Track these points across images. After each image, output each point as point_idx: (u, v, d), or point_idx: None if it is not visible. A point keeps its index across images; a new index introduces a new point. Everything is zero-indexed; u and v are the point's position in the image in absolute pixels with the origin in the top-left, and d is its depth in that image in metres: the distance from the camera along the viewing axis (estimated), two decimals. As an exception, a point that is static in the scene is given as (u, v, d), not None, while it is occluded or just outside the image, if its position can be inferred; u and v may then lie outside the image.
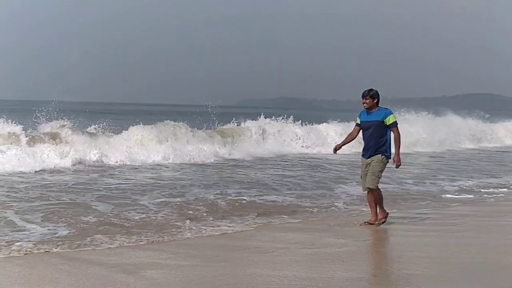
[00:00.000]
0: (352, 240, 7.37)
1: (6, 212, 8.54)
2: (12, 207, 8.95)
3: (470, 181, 14.24)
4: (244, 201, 10.29)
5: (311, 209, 9.69)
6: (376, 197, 8.14)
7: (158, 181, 12.49)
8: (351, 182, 12.89)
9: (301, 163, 17.75)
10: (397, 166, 8.00)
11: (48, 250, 6.57)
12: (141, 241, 7.11)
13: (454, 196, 11.86)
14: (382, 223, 8.19)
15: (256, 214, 9.09)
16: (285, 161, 18.28)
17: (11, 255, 6.32)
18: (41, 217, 8.28)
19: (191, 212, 9.08)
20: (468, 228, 8.34)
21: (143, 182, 12.28)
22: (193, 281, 5.47)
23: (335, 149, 8.36)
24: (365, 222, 8.29)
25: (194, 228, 7.97)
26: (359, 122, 8.16)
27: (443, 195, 11.88)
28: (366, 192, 8.23)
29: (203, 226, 8.13)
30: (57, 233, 7.41)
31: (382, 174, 8.12)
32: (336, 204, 10.26)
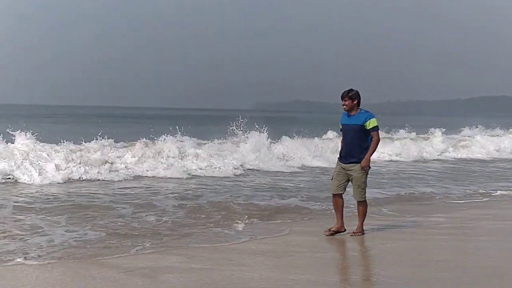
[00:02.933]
0: (369, 244, 7.38)
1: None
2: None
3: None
4: (260, 205, 10.35)
5: (327, 212, 9.71)
6: (363, 208, 7.74)
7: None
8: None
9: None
10: (362, 169, 7.49)
11: (67, 254, 6.65)
12: (158, 245, 7.19)
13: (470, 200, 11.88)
14: (356, 235, 7.66)
15: (271, 217, 9.14)
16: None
17: (30, 258, 6.39)
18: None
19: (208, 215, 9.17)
20: (482, 232, 8.32)
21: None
22: (209, 284, 5.50)
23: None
24: (330, 230, 7.73)
25: (210, 232, 8.04)
26: (341, 127, 7.72)
27: (455, 200, 11.88)
28: (332, 195, 7.80)
29: (219, 229, 8.20)
30: (76, 235, 7.52)
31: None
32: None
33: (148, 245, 7.14)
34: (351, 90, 7.52)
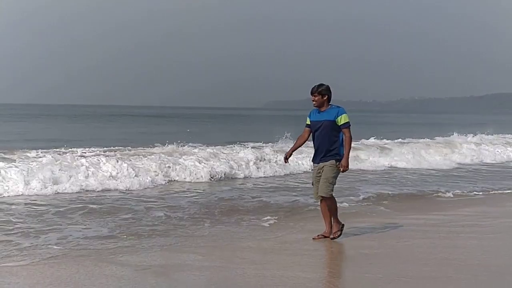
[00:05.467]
0: (381, 242, 7.34)
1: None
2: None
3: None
4: (269, 203, 10.40)
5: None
6: (329, 206, 7.29)
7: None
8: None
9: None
10: (343, 171, 7.14)
11: (81, 252, 6.73)
12: (169, 243, 7.24)
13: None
14: (338, 236, 7.38)
15: (283, 215, 9.16)
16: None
17: (45, 257, 6.48)
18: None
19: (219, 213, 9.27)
20: (494, 230, 8.27)
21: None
22: (222, 282, 5.52)
23: (286, 158, 7.50)
24: (318, 235, 7.47)
25: (221, 230, 8.09)
26: (309, 123, 7.31)
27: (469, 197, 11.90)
28: (319, 201, 7.39)
29: (231, 228, 8.24)
30: (90, 234, 7.62)
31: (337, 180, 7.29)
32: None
33: (160, 243, 7.19)
34: (321, 85, 7.20)
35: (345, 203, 10.41)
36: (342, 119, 7.08)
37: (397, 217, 9.16)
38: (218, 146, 17.53)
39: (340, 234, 7.39)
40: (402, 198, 11.51)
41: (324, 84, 7.20)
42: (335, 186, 7.24)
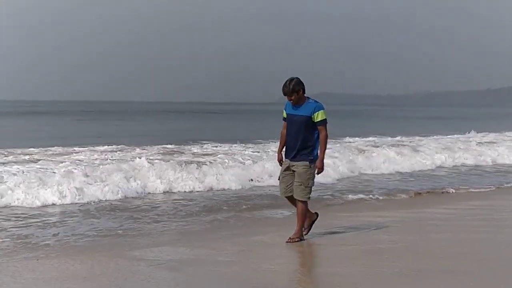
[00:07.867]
0: (397, 236, 7.30)
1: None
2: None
3: None
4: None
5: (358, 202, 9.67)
6: (302, 210, 6.78)
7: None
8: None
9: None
10: (318, 173, 6.72)
11: (96, 247, 6.77)
12: (183, 238, 7.27)
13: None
14: (293, 241, 6.77)
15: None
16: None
17: (61, 252, 6.56)
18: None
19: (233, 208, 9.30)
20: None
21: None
22: (236, 277, 5.49)
23: (280, 161, 6.98)
24: (305, 228, 7.05)
25: (235, 224, 8.10)
26: (285, 116, 6.82)
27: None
28: (285, 198, 6.98)
29: (243, 222, 8.24)
30: (104, 229, 7.66)
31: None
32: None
33: (174, 238, 7.23)
34: (291, 80, 6.57)
35: (359, 198, 10.37)
36: (318, 116, 6.57)
37: (413, 212, 9.12)
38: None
39: (298, 240, 6.81)
40: (419, 193, 11.51)
41: (294, 78, 6.61)
42: (312, 187, 6.81)
